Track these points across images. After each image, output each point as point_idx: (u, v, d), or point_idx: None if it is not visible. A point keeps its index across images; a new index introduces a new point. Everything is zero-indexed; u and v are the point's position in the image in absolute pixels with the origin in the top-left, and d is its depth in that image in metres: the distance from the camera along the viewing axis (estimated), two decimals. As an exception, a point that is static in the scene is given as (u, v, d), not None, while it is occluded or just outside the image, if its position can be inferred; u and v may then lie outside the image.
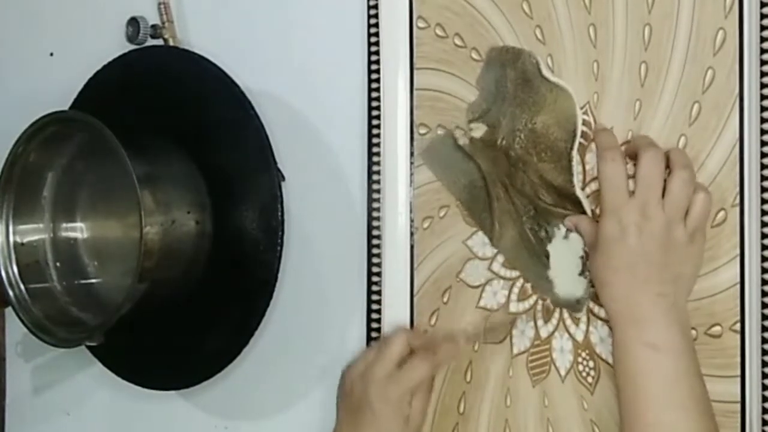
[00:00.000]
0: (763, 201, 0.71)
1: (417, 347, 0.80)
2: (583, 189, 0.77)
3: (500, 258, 0.81)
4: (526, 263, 0.80)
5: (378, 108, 0.85)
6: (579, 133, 0.77)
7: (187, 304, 0.90)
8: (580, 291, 0.78)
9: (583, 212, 0.77)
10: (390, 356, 0.78)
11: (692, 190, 0.71)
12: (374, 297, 0.86)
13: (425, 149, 0.84)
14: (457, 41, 0.83)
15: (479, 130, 0.80)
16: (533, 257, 0.80)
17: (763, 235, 0.71)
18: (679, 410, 0.69)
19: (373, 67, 0.86)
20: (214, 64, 0.89)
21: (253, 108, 0.87)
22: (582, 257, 0.77)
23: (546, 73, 0.78)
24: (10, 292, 0.90)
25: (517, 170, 0.79)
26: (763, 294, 0.71)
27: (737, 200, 0.72)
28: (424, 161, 0.84)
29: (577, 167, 0.77)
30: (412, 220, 0.84)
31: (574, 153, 0.77)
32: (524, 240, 0.80)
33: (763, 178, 0.71)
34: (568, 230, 0.78)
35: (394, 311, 0.84)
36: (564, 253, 0.78)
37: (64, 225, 0.94)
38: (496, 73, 0.80)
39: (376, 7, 0.85)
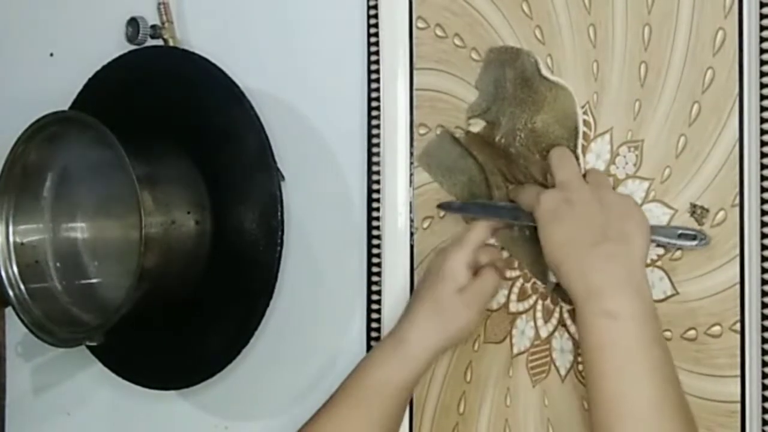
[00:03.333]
0: (763, 201, 0.71)
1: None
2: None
3: (500, 258, 0.82)
4: (524, 252, 0.80)
5: (378, 108, 0.85)
6: (581, 131, 0.77)
7: (187, 304, 0.90)
8: None
9: None
10: (468, 238, 0.78)
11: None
12: (374, 297, 0.86)
13: (422, 153, 0.84)
14: (457, 41, 0.83)
15: (477, 125, 0.80)
16: (532, 246, 0.79)
17: (763, 235, 0.71)
18: (642, 380, 0.65)
19: (373, 67, 0.86)
20: (214, 65, 0.89)
21: (253, 108, 0.87)
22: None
23: (545, 72, 0.78)
24: (10, 292, 0.90)
25: (517, 165, 0.79)
26: (763, 294, 0.71)
27: (737, 200, 0.72)
28: (422, 165, 0.84)
29: (581, 163, 0.77)
30: (412, 220, 0.84)
31: (579, 151, 0.77)
32: (522, 229, 0.80)
33: (762, 178, 0.71)
34: None
35: (394, 311, 0.84)
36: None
37: (64, 225, 0.94)
38: (495, 74, 0.80)
39: (375, 7, 0.85)
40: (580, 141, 0.77)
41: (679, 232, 0.73)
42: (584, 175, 0.75)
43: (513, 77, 0.79)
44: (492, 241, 0.81)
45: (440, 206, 0.83)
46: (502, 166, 0.80)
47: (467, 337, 0.81)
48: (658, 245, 0.74)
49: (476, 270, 0.78)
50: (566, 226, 0.71)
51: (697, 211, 0.73)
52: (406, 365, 0.76)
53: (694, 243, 0.72)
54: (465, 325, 0.77)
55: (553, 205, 0.72)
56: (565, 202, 0.71)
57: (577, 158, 0.76)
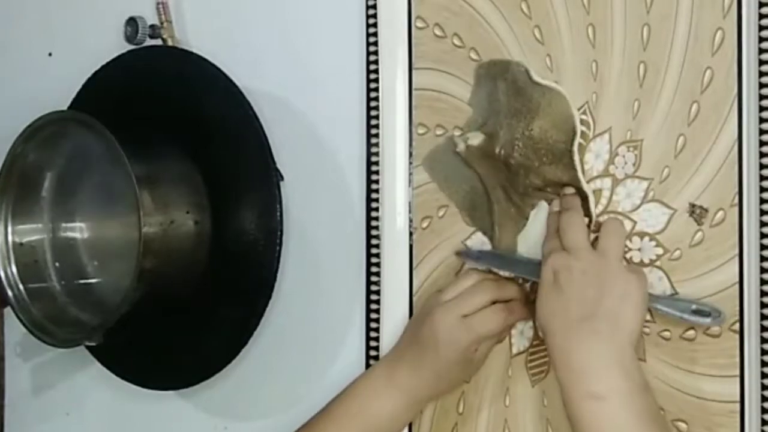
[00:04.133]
0: (762, 201, 0.71)
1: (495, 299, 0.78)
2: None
3: (499, 258, 0.82)
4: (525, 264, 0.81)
5: (377, 108, 0.85)
6: (579, 131, 0.77)
7: (186, 304, 0.90)
8: None
9: (589, 205, 0.77)
10: (472, 303, 0.76)
11: (623, 233, 0.72)
12: (373, 297, 0.86)
13: (426, 158, 0.84)
14: (456, 41, 0.83)
15: (476, 138, 0.80)
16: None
17: (762, 235, 0.71)
18: None
19: (372, 67, 0.86)
20: (213, 64, 0.89)
21: (251, 108, 0.87)
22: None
23: (536, 77, 0.78)
24: (10, 292, 0.90)
25: (518, 177, 0.79)
26: (762, 294, 0.71)
27: (736, 200, 0.72)
28: (425, 169, 0.84)
29: (579, 164, 0.77)
30: (411, 220, 0.84)
31: (575, 149, 0.77)
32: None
33: (761, 177, 0.71)
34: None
35: (394, 311, 0.84)
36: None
37: (63, 225, 0.94)
38: (487, 88, 0.81)
39: (374, 7, 0.85)
40: (578, 142, 0.77)
41: (694, 307, 0.72)
42: (600, 226, 0.74)
43: (505, 89, 0.79)
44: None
45: (458, 254, 0.82)
46: (503, 180, 0.80)
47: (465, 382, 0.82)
48: (670, 318, 0.73)
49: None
50: (560, 296, 0.70)
51: (696, 211, 0.73)
52: (413, 412, 0.79)
53: (708, 320, 0.71)
54: (457, 383, 0.80)
55: (555, 268, 0.71)
56: (566, 269, 0.70)
57: (573, 157, 0.77)
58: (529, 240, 0.79)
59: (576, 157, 0.77)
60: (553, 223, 0.76)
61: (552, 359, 0.70)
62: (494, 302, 0.77)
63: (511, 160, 0.79)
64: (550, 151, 0.77)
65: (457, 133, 0.82)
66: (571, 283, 0.69)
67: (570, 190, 0.77)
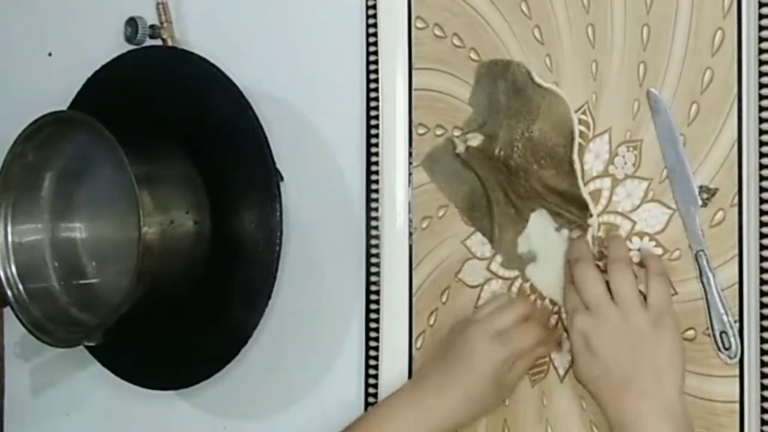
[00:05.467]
0: (762, 201, 0.71)
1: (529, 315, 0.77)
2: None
3: (499, 258, 0.81)
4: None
5: (377, 108, 0.85)
6: (577, 136, 0.77)
7: (186, 304, 0.90)
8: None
9: (588, 214, 0.77)
10: (507, 318, 0.75)
11: (632, 277, 0.71)
12: (373, 297, 0.86)
13: (426, 159, 0.84)
14: (456, 41, 0.83)
15: (476, 140, 0.81)
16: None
17: (762, 235, 0.71)
18: None
19: (372, 67, 0.86)
20: (213, 65, 0.89)
21: (251, 108, 0.87)
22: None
23: (538, 79, 0.78)
24: (9, 292, 0.89)
25: (518, 178, 0.79)
26: (762, 294, 0.71)
27: (736, 200, 0.72)
28: (425, 170, 0.84)
29: (579, 170, 0.77)
30: (410, 220, 0.84)
31: (575, 156, 0.77)
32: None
33: (761, 178, 0.71)
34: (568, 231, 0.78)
35: (393, 311, 0.84)
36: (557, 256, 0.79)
37: (63, 225, 0.94)
38: (488, 88, 0.81)
39: (374, 7, 0.85)
40: (576, 145, 0.77)
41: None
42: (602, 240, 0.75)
43: (505, 89, 0.79)
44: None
45: None
46: (503, 181, 0.80)
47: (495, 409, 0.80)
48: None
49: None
50: (596, 361, 0.70)
51: (703, 195, 0.73)
52: (415, 425, 0.75)
53: (726, 353, 0.72)
54: (490, 407, 0.78)
55: (584, 332, 0.71)
56: (594, 332, 0.70)
57: (573, 164, 0.77)
58: (529, 242, 0.80)
59: (576, 165, 0.77)
60: (567, 272, 0.76)
61: (606, 417, 0.71)
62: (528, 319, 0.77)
63: (511, 161, 0.79)
64: (548, 155, 0.78)
65: (456, 133, 0.82)
66: (603, 347, 0.70)
67: (576, 233, 0.77)
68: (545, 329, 0.77)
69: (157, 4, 0.94)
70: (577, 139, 0.77)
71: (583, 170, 0.77)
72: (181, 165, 0.89)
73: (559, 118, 0.78)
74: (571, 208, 0.77)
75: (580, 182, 0.77)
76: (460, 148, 0.81)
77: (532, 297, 0.80)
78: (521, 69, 0.79)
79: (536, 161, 0.78)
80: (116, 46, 0.96)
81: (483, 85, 0.81)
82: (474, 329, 0.76)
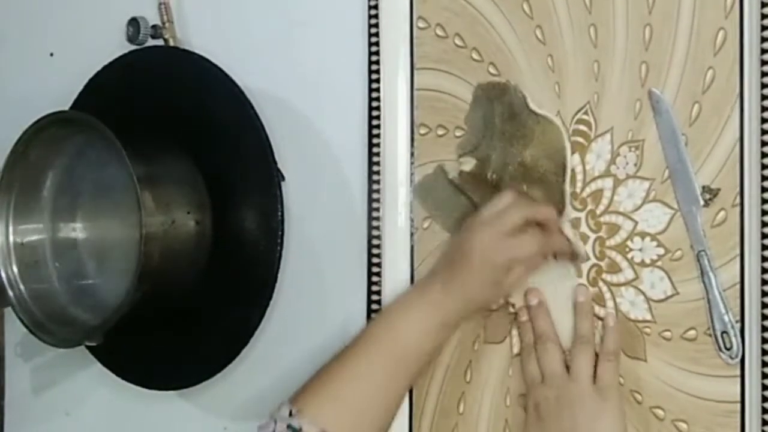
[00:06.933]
0: (763, 201, 0.71)
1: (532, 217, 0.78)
2: (582, 190, 0.77)
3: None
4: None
5: (378, 108, 0.85)
6: (569, 166, 0.77)
7: (187, 304, 0.90)
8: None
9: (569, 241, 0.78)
10: (510, 220, 0.76)
11: (590, 355, 0.75)
12: (374, 297, 0.86)
13: (418, 187, 0.84)
14: (458, 41, 0.83)
15: (469, 164, 0.81)
16: None
17: (763, 235, 0.71)
18: None
19: (374, 67, 0.86)
20: (214, 65, 0.89)
21: (253, 108, 0.87)
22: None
23: (533, 105, 0.78)
24: (10, 293, 0.89)
25: None
26: (763, 294, 0.71)
27: (737, 200, 0.72)
28: (417, 199, 0.84)
29: (568, 199, 0.78)
30: (412, 220, 0.84)
31: (566, 186, 0.77)
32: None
33: (763, 178, 0.71)
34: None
35: (394, 311, 0.84)
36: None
37: (64, 225, 0.94)
38: (484, 109, 0.81)
39: (376, 7, 0.85)
40: (569, 176, 0.77)
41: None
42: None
43: (501, 112, 0.80)
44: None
45: None
46: None
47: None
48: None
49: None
50: (542, 427, 0.75)
51: (705, 194, 0.73)
52: (442, 333, 0.78)
53: (727, 353, 0.73)
54: (483, 305, 0.80)
55: (536, 400, 0.77)
56: (544, 400, 0.76)
57: (563, 194, 0.77)
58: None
59: (567, 198, 0.77)
60: (528, 337, 0.79)
61: None
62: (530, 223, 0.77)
63: (503, 185, 0.79)
64: (540, 180, 0.78)
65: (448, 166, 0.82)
66: (549, 413, 0.75)
67: (534, 300, 0.79)
68: (547, 236, 0.77)
69: (159, 4, 0.94)
70: (569, 169, 0.77)
71: (585, 170, 0.77)
72: (183, 165, 0.89)
73: (552, 145, 0.78)
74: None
75: (568, 208, 0.78)
76: (453, 174, 0.81)
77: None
78: (518, 94, 0.80)
79: (527, 186, 0.79)
80: (118, 46, 0.96)
81: (479, 106, 0.82)
82: (478, 231, 0.76)
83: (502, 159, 0.80)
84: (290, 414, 0.73)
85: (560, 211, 0.78)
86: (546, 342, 0.77)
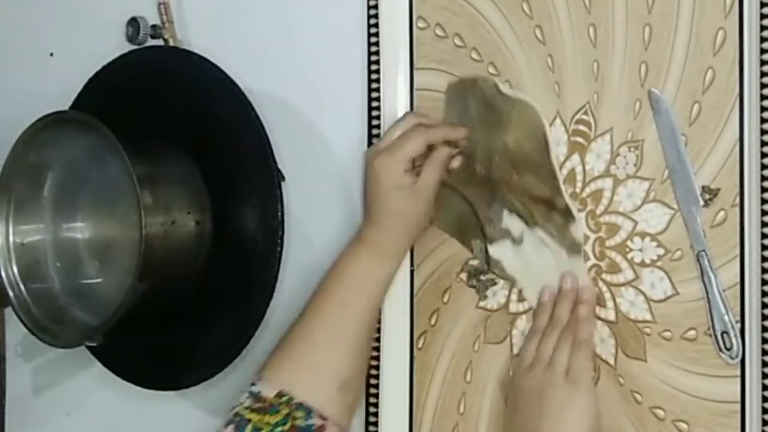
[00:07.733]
0: (763, 201, 0.71)
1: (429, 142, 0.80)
2: (582, 190, 0.77)
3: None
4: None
5: (378, 108, 0.85)
6: (551, 139, 0.77)
7: (187, 304, 0.90)
8: None
9: (572, 219, 0.77)
10: (391, 134, 0.80)
11: (569, 344, 0.75)
12: (374, 297, 0.86)
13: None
14: (457, 41, 0.83)
15: (455, 161, 0.81)
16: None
17: (763, 235, 0.71)
18: None
19: (373, 67, 0.86)
20: (214, 65, 0.89)
21: (253, 108, 0.87)
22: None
23: (505, 90, 0.78)
24: (11, 293, 0.90)
25: (504, 192, 0.79)
26: (763, 294, 0.71)
27: (737, 200, 0.72)
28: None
29: (558, 171, 0.77)
30: (412, 220, 0.84)
31: (552, 158, 0.77)
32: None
33: (763, 178, 0.71)
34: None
35: (394, 311, 0.84)
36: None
37: (65, 225, 0.94)
38: (458, 107, 0.81)
39: (376, 7, 0.85)
40: (553, 147, 0.77)
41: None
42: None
43: (476, 105, 0.80)
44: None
45: None
46: (488, 197, 0.80)
47: (427, 223, 0.83)
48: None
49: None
50: (515, 414, 0.77)
51: (705, 194, 0.73)
52: (382, 261, 0.81)
53: (728, 353, 0.73)
54: (422, 218, 0.81)
55: (515, 389, 0.78)
56: (518, 388, 0.77)
57: (552, 166, 0.77)
58: (525, 262, 0.80)
59: (556, 168, 0.77)
60: (543, 319, 0.79)
61: None
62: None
63: (491, 175, 0.79)
64: (526, 161, 0.78)
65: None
66: (524, 402, 0.76)
67: (568, 284, 0.78)
68: (433, 128, 0.80)
69: (159, 4, 0.94)
70: (552, 142, 0.77)
71: (585, 170, 0.77)
72: (183, 165, 0.89)
73: (530, 124, 0.78)
74: (555, 216, 0.78)
75: (561, 185, 0.77)
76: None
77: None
78: (488, 83, 0.80)
79: (516, 171, 0.78)
80: (118, 46, 0.96)
81: (454, 106, 0.82)
82: (371, 157, 0.79)
83: (486, 150, 0.80)
84: (252, 384, 0.77)
85: (555, 187, 0.77)
86: (557, 326, 0.77)
